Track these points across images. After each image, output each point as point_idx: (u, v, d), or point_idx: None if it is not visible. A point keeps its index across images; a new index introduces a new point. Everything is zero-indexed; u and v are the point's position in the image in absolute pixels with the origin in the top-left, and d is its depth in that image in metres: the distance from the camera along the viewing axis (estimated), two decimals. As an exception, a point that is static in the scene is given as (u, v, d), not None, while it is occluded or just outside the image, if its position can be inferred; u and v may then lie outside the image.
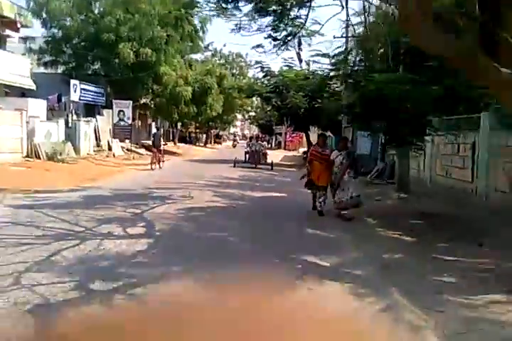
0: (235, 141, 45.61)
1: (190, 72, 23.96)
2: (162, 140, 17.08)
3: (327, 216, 7.43)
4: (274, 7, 6.98)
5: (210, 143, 46.41)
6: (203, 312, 0.82)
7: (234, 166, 17.45)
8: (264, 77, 19.05)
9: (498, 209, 7.45)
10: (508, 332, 3.21)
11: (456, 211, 7.88)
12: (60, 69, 22.99)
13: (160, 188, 9.60)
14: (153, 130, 22.49)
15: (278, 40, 7.44)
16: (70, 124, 16.87)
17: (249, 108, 41.50)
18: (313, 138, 18.11)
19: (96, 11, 21.75)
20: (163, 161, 16.16)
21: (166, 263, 4.30)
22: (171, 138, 36.31)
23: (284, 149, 42.99)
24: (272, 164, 18.17)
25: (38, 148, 14.32)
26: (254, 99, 31.19)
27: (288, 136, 45.54)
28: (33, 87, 17.61)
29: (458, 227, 6.64)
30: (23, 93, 18.49)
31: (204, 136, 47.01)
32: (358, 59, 9.13)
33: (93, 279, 3.73)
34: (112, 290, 3.50)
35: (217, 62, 34.26)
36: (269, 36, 7.36)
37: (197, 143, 41.83)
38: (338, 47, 11.12)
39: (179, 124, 33.90)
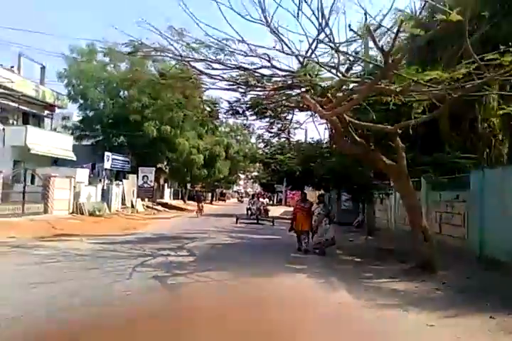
0: (241, 198, 50.83)
1: (201, 142, 28.47)
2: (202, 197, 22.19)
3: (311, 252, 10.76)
4: (269, 113, 11.06)
5: (216, 200, 50.20)
6: (227, 285, 4.47)
7: (236, 223, 18.14)
8: (265, 147, 23.25)
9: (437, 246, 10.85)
10: (383, 286, 6.61)
11: (396, 246, 11.22)
12: (89, 142, 27.53)
13: (187, 233, 13.13)
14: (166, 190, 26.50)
15: (272, 132, 11.52)
16: (104, 187, 20.78)
17: (252, 169, 45.84)
18: (309, 194, 21.76)
19: (123, 96, 26.69)
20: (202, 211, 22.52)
21: (204, 266, 7.76)
22: (180, 196, 40.24)
23: (285, 205, 46.56)
24: (273, 220, 18.76)
25: (82, 206, 18.07)
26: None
27: (288, 194, 49.68)
28: (74, 158, 21.83)
29: (391, 255, 10.03)
30: (55, 161, 22.43)
31: (210, 194, 50.99)
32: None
33: (172, 270, 7.22)
34: (183, 274, 6.98)
35: (223, 130, 39.18)
36: (267, 130, 11.43)
37: (203, 201, 45.61)
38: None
39: (188, 184, 37.99)
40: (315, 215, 10.61)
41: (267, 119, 11.48)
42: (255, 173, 50.08)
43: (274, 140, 14.35)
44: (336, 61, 7.16)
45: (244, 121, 12.34)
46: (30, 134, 18.91)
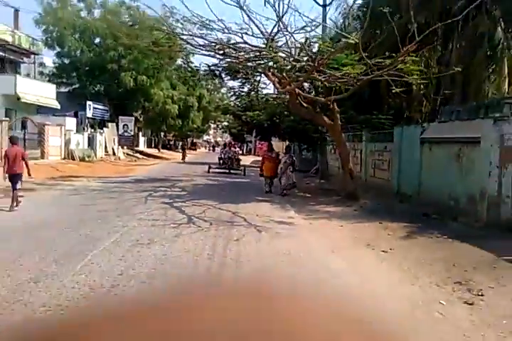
0: (213, 147, 54.55)
1: (175, 93, 30.38)
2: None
3: (274, 193, 13.79)
4: (241, 75, 13.60)
5: (188, 149, 52.72)
6: (213, 206, 7.42)
7: (208, 172, 18.81)
8: (236, 99, 25.66)
9: (368, 184, 14.23)
10: (320, 209, 9.85)
11: (339, 186, 14.55)
12: (66, 89, 28.91)
13: (172, 176, 15.97)
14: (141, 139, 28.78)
15: (243, 91, 14.15)
16: (89, 135, 22.94)
17: (223, 119, 48.10)
18: (276, 145, 24.74)
19: (99, 44, 27.84)
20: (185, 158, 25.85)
21: (195, 197, 10.72)
22: (154, 145, 42.47)
23: (255, 154, 49.74)
24: (244, 170, 19.57)
25: (73, 152, 20.39)
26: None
27: (258, 144, 52.85)
28: (58, 106, 23.58)
29: (333, 192, 13.32)
30: (37, 109, 24.16)
31: (181, 143, 53.34)
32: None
33: (173, 198, 10.16)
34: (182, 201, 9.94)
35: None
36: (238, 90, 14.06)
37: (176, 150, 48.05)
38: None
39: (162, 133, 40.15)
40: (281, 163, 13.12)
41: (239, 80, 14.11)
42: (225, 123, 52.62)
43: (243, 100, 16.93)
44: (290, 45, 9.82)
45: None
46: (19, 83, 20.49)
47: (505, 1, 11.50)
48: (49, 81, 28.26)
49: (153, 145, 42.43)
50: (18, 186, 8.14)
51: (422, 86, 13.80)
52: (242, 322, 0.34)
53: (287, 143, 23.95)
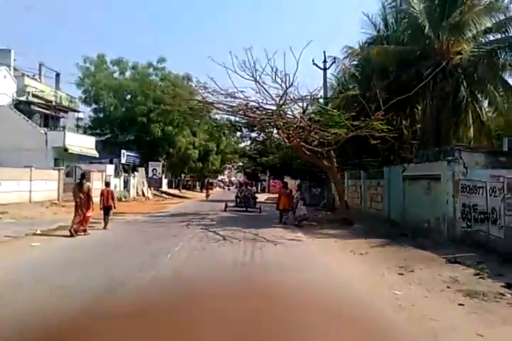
0: (228, 186, 57.37)
1: (196, 139, 34.23)
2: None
3: (289, 224, 16.67)
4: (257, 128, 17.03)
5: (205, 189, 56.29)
6: (241, 231, 10.60)
7: (225, 210, 19.51)
8: (251, 143, 29.26)
9: (366, 214, 17.09)
10: (322, 232, 12.74)
11: (348, 216, 17.42)
12: (99, 139, 32.93)
13: (200, 212, 19.06)
14: (164, 180, 32.35)
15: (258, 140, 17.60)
16: (125, 179, 26.45)
17: (237, 160, 51.85)
18: (290, 183, 27.90)
19: (133, 101, 32.17)
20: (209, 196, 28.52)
21: (224, 225, 13.72)
22: (174, 185, 46.01)
23: (268, 192, 52.89)
24: (260, 208, 20.21)
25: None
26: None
27: (271, 182, 56.27)
28: (97, 155, 27.32)
29: (335, 221, 16.19)
30: (79, 158, 27.95)
31: (198, 183, 56.95)
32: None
33: (208, 227, 13.21)
34: (215, 227, 12.97)
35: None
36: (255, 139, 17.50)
37: (194, 189, 51.54)
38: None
39: (183, 175, 43.81)
40: (294, 198, 15.90)
41: (256, 132, 17.61)
42: (240, 163, 56.42)
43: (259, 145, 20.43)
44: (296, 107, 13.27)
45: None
46: (67, 137, 24.34)
47: (466, 67, 14.84)
48: (84, 133, 32.41)
49: (173, 186, 45.99)
50: (110, 215, 11.81)
51: (407, 133, 17.12)
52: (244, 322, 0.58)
53: (298, 181, 27.17)
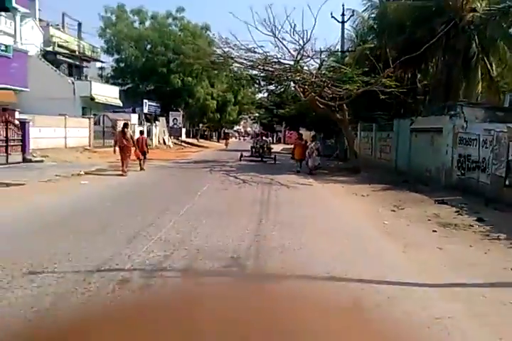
0: (243, 136, 58.34)
1: (214, 90, 35.00)
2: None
3: (302, 172, 18.07)
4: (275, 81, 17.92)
5: (222, 139, 57.70)
6: (258, 176, 11.92)
7: (240, 160, 19.92)
8: (268, 95, 30.02)
9: (376, 164, 18.33)
10: (332, 178, 14.14)
11: (357, 165, 18.71)
12: (121, 89, 34.01)
13: (220, 159, 20.52)
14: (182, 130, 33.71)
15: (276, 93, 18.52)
16: (147, 128, 27.85)
17: (254, 111, 52.58)
18: (304, 134, 29.03)
19: (153, 51, 32.73)
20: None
21: (243, 172, 15.16)
22: (192, 135, 47.43)
23: (284, 143, 54.13)
24: (275, 158, 20.59)
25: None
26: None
27: (287, 133, 57.29)
28: (121, 104, 28.57)
29: (346, 169, 17.50)
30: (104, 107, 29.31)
31: (215, 133, 58.28)
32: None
33: (229, 173, 14.69)
34: (235, 174, 14.45)
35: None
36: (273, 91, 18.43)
37: (211, 139, 53.01)
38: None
39: (200, 125, 45.03)
40: (309, 148, 17.10)
41: (273, 85, 18.51)
42: (257, 114, 57.16)
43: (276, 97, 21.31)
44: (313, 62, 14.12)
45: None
46: (93, 87, 25.52)
47: (478, 24, 15.23)
48: (107, 82, 33.44)
49: (191, 136, 47.42)
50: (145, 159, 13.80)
51: (420, 87, 17.81)
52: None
53: (313, 132, 28.23)
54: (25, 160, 15.00)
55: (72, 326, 0.42)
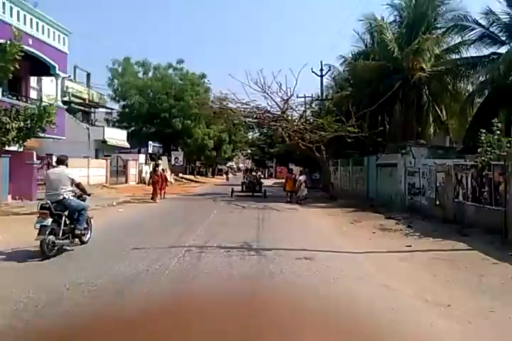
0: (235, 172, 62.22)
1: (210, 131, 39.15)
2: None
3: (293, 202, 21.67)
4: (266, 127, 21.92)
5: (216, 175, 61.52)
6: (255, 204, 15.61)
7: (231, 196, 20.75)
8: (260, 134, 34.19)
9: (353, 193, 22.00)
10: (314, 205, 17.70)
11: (333, 194, 22.34)
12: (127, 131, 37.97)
13: (220, 192, 24.05)
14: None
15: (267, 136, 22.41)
16: (153, 166, 31.49)
17: (246, 148, 56.84)
18: (294, 169, 32.89)
19: (156, 99, 37.06)
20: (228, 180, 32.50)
21: (241, 202, 18.69)
22: (188, 172, 51.13)
23: (275, 177, 58.05)
24: (264, 192, 22.01)
25: (144, 179, 28.86)
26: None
27: (278, 168, 61.54)
28: (129, 146, 32.35)
29: (327, 198, 21.11)
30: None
31: (210, 169, 62.18)
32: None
33: (229, 202, 18.22)
34: (234, 203, 17.98)
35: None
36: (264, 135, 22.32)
37: (206, 175, 56.75)
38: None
39: (197, 162, 48.89)
40: (298, 181, 21.08)
41: (265, 129, 22.52)
42: (249, 151, 61.60)
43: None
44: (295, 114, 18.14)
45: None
46: (105, 131, 29.38)
47: (425, 81, 19.47)
48: (113, 126, 37.42)
49: (187, 172, 51.15)
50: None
51: (387, 129, 21.84)
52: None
53: (301, 168, 32.13)
54: (61, 195, 18.41)
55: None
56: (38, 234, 6.55)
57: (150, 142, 33.53)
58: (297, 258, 6.86)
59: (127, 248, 7.50)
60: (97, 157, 28.23)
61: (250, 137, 38.90)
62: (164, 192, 17.83)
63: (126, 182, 27.08)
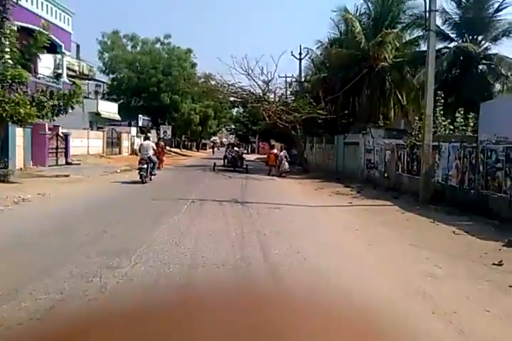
0: (218, 147, 64.88)
1: (197, 106, 41.68)
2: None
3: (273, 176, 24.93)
4: (249, 104, 24.91)
5: (200, 149, 64.31)
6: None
7: (213, 169, 21.68)
8: (244, 110, 37.00)
9: (325, 167, 25.38)
10: (290, 177, 21.00)
11: (306, 167, 25.68)
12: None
13: (206, 164, 27.10)
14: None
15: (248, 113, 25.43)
16: (143, 139, 34.14)
17: (230, 123, 59.52)
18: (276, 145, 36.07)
19: (144, 72, 39.20)
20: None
21: (227, 172, 21.83)
22: (174, 145, 53.73)
23: (258, 153, 61.24)
24: (246, 168, 22.72)
25: (136, 150, 31.60)
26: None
27: (261, 144, 64.68)
28: (120, 119, 34.78)
29: (303, 171, 24.46)
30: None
31: (194, 143, 64.83)
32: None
33: (217, 172, 21.38)
34: (220, 171, 21.13)
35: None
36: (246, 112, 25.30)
37: (192, 149, 59.51)
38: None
39: (182, 136, 51.49)
40: (279, 156, 24.41)
41: (248, 106, 25.45)
42: (233, 126, 64.42)
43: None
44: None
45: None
46: (99, 104, 31.78)
47: (387, 70, 22.55)
48: (102, 98, 39.54)
49: (173, 146, 53.76)
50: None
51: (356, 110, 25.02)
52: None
53: (282, 144, 35.36)
54: (67, 163, 21.20)
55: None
56: (140, 171, 14.52)
57: (140, 115, 35.97)
58: (269, 208, 10.11)
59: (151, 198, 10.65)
60: (91, 128, 30.75)
61: (235, 113, 41.52)
62: (163, 163, 20.66)
63: (119, 153, 29.82)
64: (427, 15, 11.94)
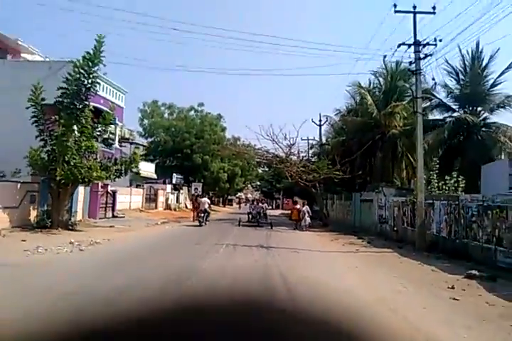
0: (244, 202, 68.23)
1: (225, 165, 45.28)
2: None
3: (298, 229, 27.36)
4: (273, 166, 27.99)
5: (226, 204, 67.38)
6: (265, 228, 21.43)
7: (239, 225, 22.91)
8: (269, 170, 40.17)
9: (344, 222, 27.63)
10: (311, 231, 23.35)
11: (325, 222, 27.95)
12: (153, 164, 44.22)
13: (234, 218, 29.76)
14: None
15: (273, 174, 28.49)
16: (177, 195, 37.42)
17: (255, 180, 62.91)
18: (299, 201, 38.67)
19: (179, 136, 43.49)
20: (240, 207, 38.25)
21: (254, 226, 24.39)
22: (203, 201, 56.87)
23: (282, 209, 63.72)
24: (271, 223, 23.93)
25: (170, 205, 34.71)
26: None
27: (285, 200, 67.49)
28: (156, 177, 38.42)
29: (323, 225, 26.76)
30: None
31: (221, 199, 68.11)
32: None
33: (244, 227, 23.99)
34: (247, 225, 23.71)
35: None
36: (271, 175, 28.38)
37: (218, 204, 62.59)
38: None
39: (210, 192, 54.80)
40: (302, 212, 26.92)
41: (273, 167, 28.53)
42: (258, 183, 68.02)
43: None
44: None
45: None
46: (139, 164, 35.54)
47: (397, 136, 25.49)
48: (140, 159, 43.63)
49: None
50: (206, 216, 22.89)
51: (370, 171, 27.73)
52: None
53: (305, 201, 37.95)
54: (113, 216, 24.29)
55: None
56: (198, 218, 22.01)
57: (174, 174, 39.63)
58: (289, 252, 12.57)
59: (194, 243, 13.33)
60: (130, 186, 34.28)
61: (260, 171, 44.91)
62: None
63: (155, 207, 32.95)
64: (414, 102, 14.93)
